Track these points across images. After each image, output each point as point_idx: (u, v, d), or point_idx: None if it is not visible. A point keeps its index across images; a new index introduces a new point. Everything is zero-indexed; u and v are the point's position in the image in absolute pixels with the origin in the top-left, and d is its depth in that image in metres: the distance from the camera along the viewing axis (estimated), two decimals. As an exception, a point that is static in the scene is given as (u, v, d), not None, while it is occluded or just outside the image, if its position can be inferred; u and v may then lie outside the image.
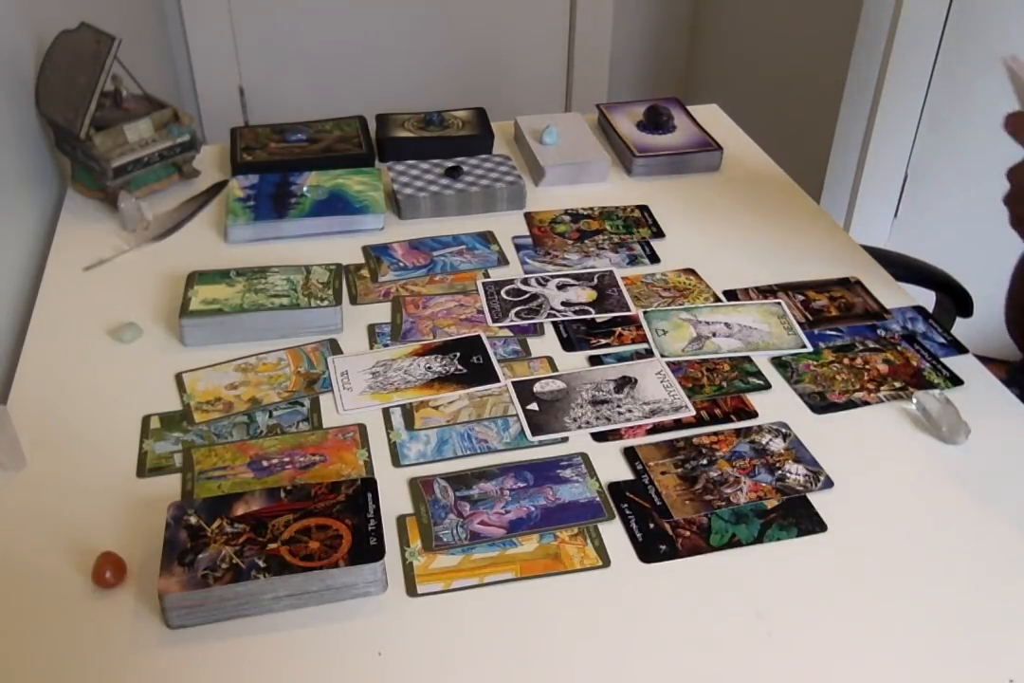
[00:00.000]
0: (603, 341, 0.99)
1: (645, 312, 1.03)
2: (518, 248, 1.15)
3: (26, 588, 0.73)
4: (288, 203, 1.18)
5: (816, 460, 0.84)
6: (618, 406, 0.90)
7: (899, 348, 0.98)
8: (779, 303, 1.05)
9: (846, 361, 0.96)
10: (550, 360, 0.97)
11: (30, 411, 0.89)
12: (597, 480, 0.82)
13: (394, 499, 0.80)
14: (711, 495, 0.81)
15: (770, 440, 0.86)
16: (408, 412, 0.90)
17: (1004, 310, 1.12)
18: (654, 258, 1.14)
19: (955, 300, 1.33)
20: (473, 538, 0.77)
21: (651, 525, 0.78)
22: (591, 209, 1.23)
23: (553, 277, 1.09)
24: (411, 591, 0.73)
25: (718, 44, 2.62)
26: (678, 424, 0.89)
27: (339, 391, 0.92)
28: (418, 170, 1.24)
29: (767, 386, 0.93)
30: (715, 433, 0.87)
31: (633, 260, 1.13)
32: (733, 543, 0.77)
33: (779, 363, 0.96)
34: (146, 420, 0.89)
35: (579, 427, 0.88)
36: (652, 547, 0.76)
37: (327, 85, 2.58)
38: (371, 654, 0.68)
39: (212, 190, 1.25)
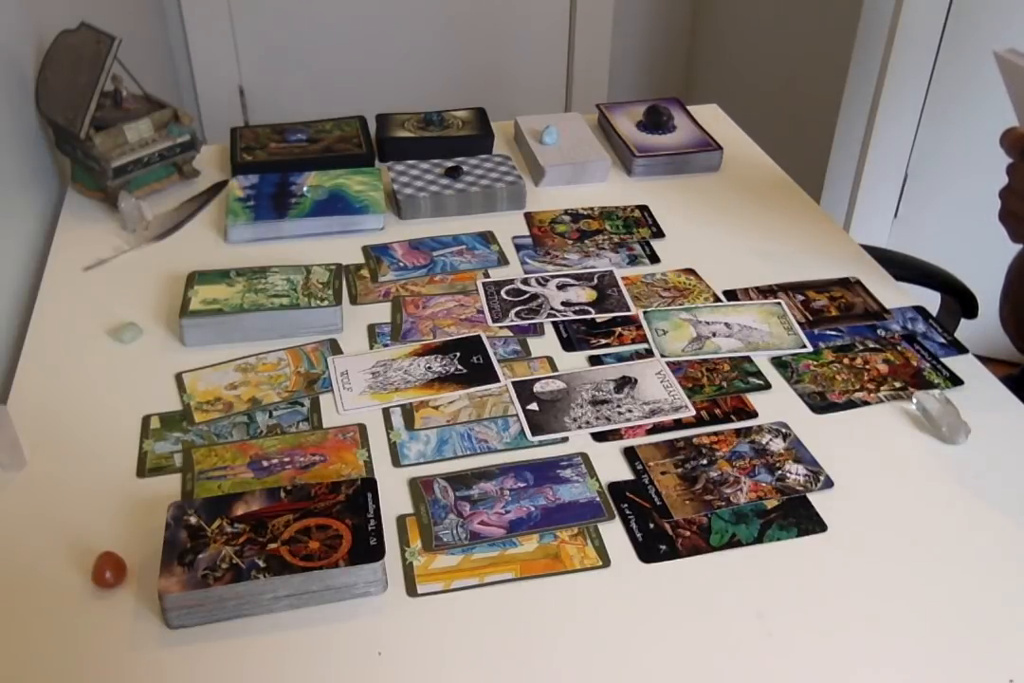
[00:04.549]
0: (603, 341, 0.99)
1: (645, 312, 1.03)
2: (518, 248, 1.15)
3: (26, 588, 0.73)
4: (288, 203, 1.18)
5: (816, 460, 0.84)
6: (618, 406, 0.90)
7: (899, 348, 0.98)
8: (779, 303, 1.05)
9: (846, 361, 0.96)
10: (550, 360, 0.97)
11: (30, 411, 0.89)
12: (597, 480, 0.82)
13: (394, 499, 0.80)
14: (711, 495, 0.81)
15: (770, 440, 0.86)
16: (408, 412, 0.90)
17: (999, 308, 1.12)
18: (654, 258, 1.14)
19: (960, 301, 1.33)
20: (473, 538, 0.77)
21: (651, 525, 0.78)
22: (591, 209, 1.23)
23: (553, 277, 1.09)
24: (411, 591, 0.73)
25: (718, 44, 2.62)
26: (678, 424, 0.89)
27: (339, 391, 0.92)
28: (418, 170, 1.24)
29: (767, 386, 0.93)
30: (715, 433, 0.87)
31: (633, 260, 1.13)
32: (733, 543, 0.77)
33: (779, 363, 0.96)
34: (146, 420, 0.89)
35: (579, 427, 0.88)
36: (652, 547, 0.76)
37: (327, 85, 2.58)
38: (371, 654, 0.68)
39: (212, 190, 1.25)
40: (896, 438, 0.87)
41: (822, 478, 0.82)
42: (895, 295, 1.07)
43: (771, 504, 0.80)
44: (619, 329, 1.01)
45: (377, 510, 0.74)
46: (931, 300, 1.20)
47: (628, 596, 0.72)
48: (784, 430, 0.88)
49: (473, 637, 0.69)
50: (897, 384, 0.93)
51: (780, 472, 0.83)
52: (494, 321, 1.02)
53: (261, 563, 0.70)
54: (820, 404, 0.91)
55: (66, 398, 0.91)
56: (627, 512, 0.79)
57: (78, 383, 0.93)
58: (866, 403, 0.91)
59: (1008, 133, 0.86)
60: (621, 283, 1.08)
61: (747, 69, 2.46)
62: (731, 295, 1.06)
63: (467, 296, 1.06)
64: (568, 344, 0.99)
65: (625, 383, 0.93)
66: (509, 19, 2.60)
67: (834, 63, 2.06)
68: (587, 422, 0.88)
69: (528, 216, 1.22)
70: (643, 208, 1.24)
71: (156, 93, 1.25)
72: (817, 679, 0.67)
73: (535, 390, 0.92)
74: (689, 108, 1.44)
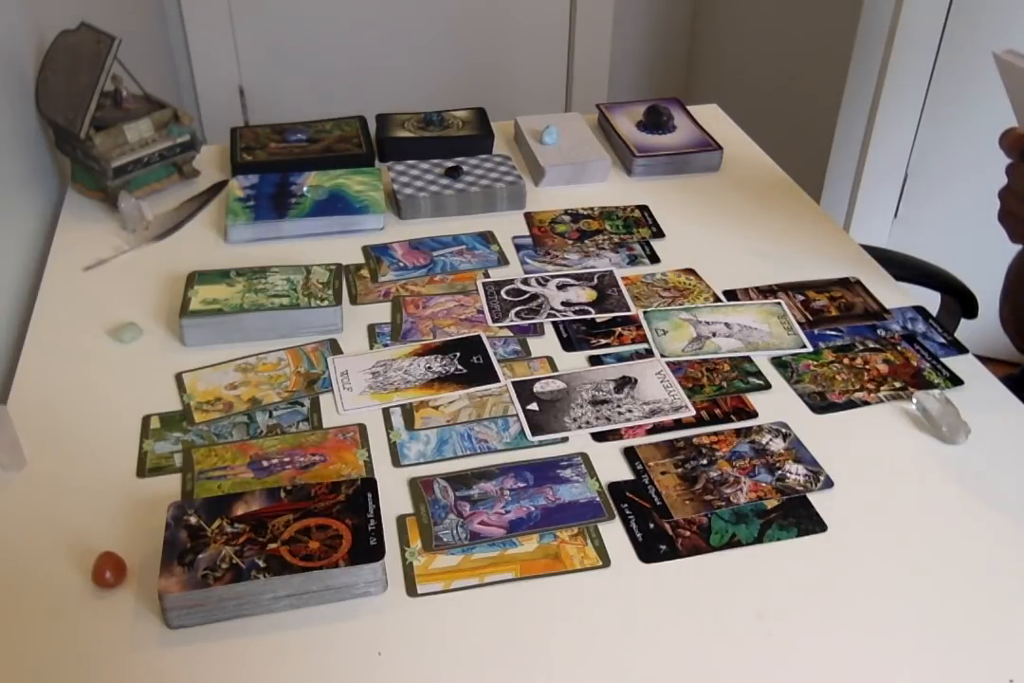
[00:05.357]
0: (603, 341, 0.99)
1: (645, 312, 1.03)
2: (518, 248, 1.15)
3: (26, 588, 0.73)
4: (288, 203, 1.18)
5: (816, 460, 0.84)
6: (618, 406, 0.90)
7: (899, 348, 0.98)
8: (779, 303, 1.05)
9: (846, 361, 0.96)
10: (550, 360, 0.97)
11: (30, 411, 0.89)
12: (597, 480, 0.82)
13: (394, 499, 0.80)
14: (711, 495, 0.81)
15: (770, 440, 0.86)
16: (408, 412, 0.90)
17: (999, 308, 1.12)
18: (654, 258, 1.14)
19: (960, 301, 1.33)
20: (473, 538, 0.77)
21: (651, 525, 0.78)
22: (591, 209, 1.23)
23: (553, 277, 1.09)
24: (411, 591, 0.73)
25: (718, 44, 2.62)
26: (678, 424, 0.89)
27: (339, 391, 0.92)
28: (418, 170, 1.24)
29: (767, 386, 0.93)
30: (715, 433, 0.87)
31: (633, 260, 1.13)
32: (733, 543, 0.77)
33: (779, 363, 0.96)
34: (146, 420, 0.89)
35: (579, 427, 0.88)
36: (652, 547, 0.76)
37: (327, 85, 2.58)
38: (371, 654, 0.68)
39: (212, 190, 1.25)
40: (896, 438, 0.87)
41: (822, 478, 0.82)
42: (895, 295, 1.07)
43: (771, 504, 0.80)
44: (619, 329, 1.01)
45: (377, 510, 0.74)
46: (931, 300, 1.20)
47: (628, 596, 0.72)
48: (784, 430, 0.88)
49: (473, 637, 0.69)
50: (897, 384, 0.93)
51: (780, 472, 0.83)
52: (494, 321, 1.02)
53: (261, 563, 0.69)
54: (820, 404, 0.91)
55: (66, 398, 0.91)
56: (627, 512, 0.79)
57: (78, 383, 0.93)
58: (866, 403, 0.91)
59: (1007, 133, 0.86)
60: (621, 283, 1.08)
61: (747, 69, 2.46)
62: (731, 295, 1.06)
63: (467, 296, 1.06)
64: (568, 344, 0.99)
65: (625, 383, 0.93)
66: (509, 19, 2.60)
67: (834, 63, 2.06)
68: (587, 422, 0.88)
69: (528, 216, 1.22)
70: (643, 208, 1.24)
71: (156, 93, 1.25)
72: (817, 679, 0.67)
73: (535, 390, 0.92)
74: (689, 108, 1.44)
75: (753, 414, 0.90)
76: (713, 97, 1.64)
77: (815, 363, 0.96)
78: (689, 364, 0.96)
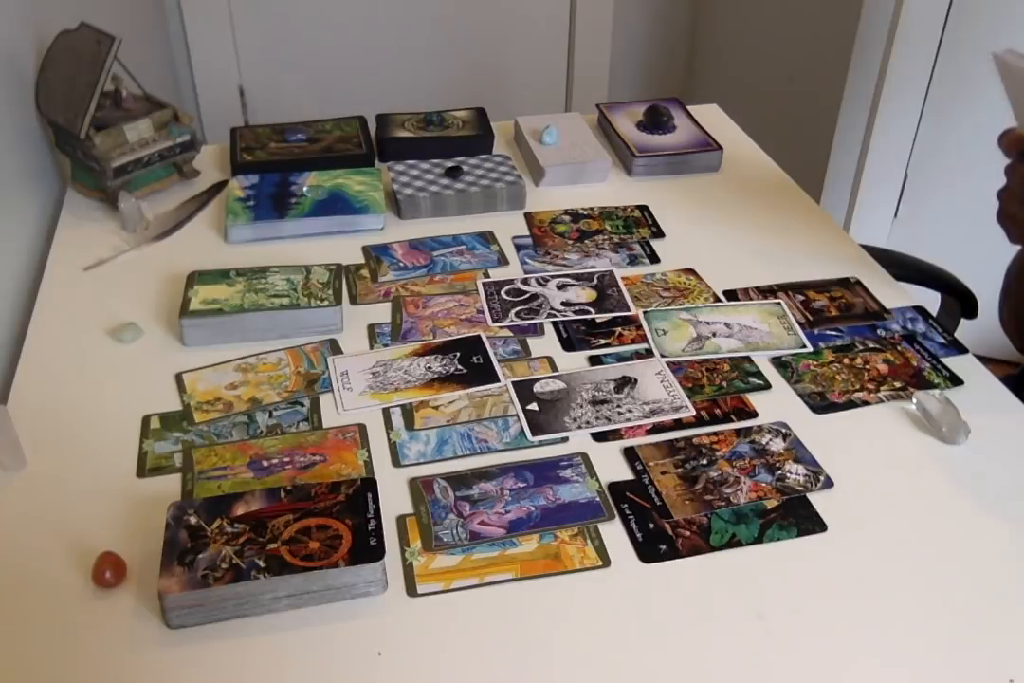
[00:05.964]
0: (603, 341, 0.99)
1: (645, 312, 1.03)
2: (518, 248, 1.15)
3: (26, 588, 0.73)
4: (288, 203, 1.18)
5: (816, 460, 0.84)
6: (618, 406, 0.90)
7: (899, 348, 0.98)
8: (779, 303, 1.05)
9: (846, 361, 0.96)
10: (550, 360, 0.97)
11: (30, 411, 0.89)
12: (597, 480, 0.82)
13: (394, 499, 0.80)
14: (711, 495, 0.81)
15: (770, 440, 0.86)
16: (408, 412, 0.90)
17: (998, 308, 1.12)
18: (654, 258, 1.14)
19: (960, 301, 1.33)
20: (473, 538, 0.77)
21: (651, 525, 0.78)
22: (591, 209, 1.23)
23: (553, 277, 1.09)
24: (411, 591, 0.73)
25: (718, 44, 2.62)
26: (678, 424, 0.89)
27: (339, 391, 0.92)
28: (418, 170, 1.24)
29: (767, 386, 0.93)
30: (715, 433, 0.87)
31: (633, 260, 1.13)
32: (733, 543, 0.77)
33: (779, 363, 0.96)
34: (146, 420, 0.89)
35: (579, 427, 0.88)
36: (652, 547, 0.76)
37: (327, 85, 2.58)
38: (371, 654, 0.68)
39: (212, 190, 1.25)
40: (896, 438, 0.87)
41: (822, 478, 0.82)
42: (895, 295, 1.07)
43: (771, 504, 0.80)
44: (619, 329, 1.01)
45: (377, 510, 0.74)
46: (931, 300, 1.20)
47: (628, 596, 0.72)
48: (784, 430, 0.88)
49: (473, 637, 0.69)
50: (897, 384, 0.93)
51: (780, 472, 0.83)
52: (494, 321, 1.02)
53: (261, 563, 0.69)
54: (820, 404, 0.91)
55: (66, 398, 0.91)
56: (627, 512, 0.79)
57: (78, 383, 0.93)
58: (866, 403, 0.91)
59: (1006, 134, 0.86)
60: (621, 283, 1.08)
61: (747, 69, 2.46)
62: (731, 295, 1.06)
63: (467, 296, 1.06)
64: (568, 344, 0.99)
65: (625, 383, 0.93)
66: (509, 19, 2.60)
67: (834, 63, 2.06)
68: (587, 422, 0.88)
69: (528, 216, 1.22)
70: (643, 208, 1.24)
71: (156, 93, 1.26)
72: (816, 679, 0.67)
73: (535, 390, 0.92)
74: (689, 108, 1.44)
75: (753, 414, 0.90)
76: (713, 97, 1.64)
77: (815, 363, 0.96)
78: (689, 364, 0.96)
